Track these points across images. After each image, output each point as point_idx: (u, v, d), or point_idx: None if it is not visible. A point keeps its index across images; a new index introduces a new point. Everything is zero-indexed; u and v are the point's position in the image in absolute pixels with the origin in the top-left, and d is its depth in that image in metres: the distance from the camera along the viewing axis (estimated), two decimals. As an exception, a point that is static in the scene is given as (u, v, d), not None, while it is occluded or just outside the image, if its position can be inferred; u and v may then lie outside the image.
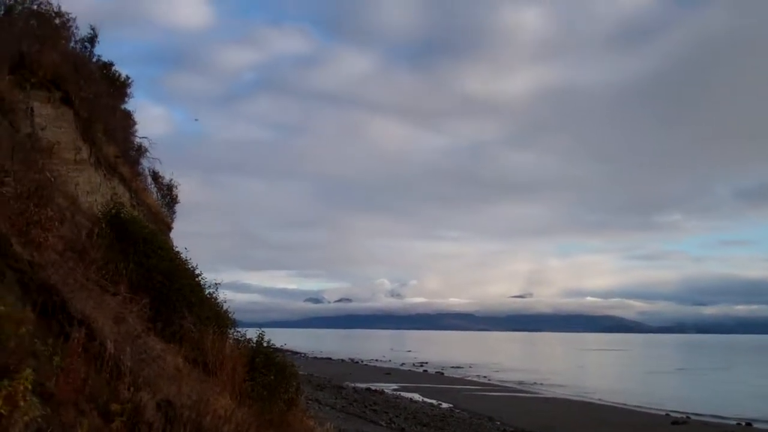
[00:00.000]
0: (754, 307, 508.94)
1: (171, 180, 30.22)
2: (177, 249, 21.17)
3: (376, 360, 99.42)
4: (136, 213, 21.27)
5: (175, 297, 17.12)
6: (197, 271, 20.30)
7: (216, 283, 20.91)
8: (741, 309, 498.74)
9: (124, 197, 22.31)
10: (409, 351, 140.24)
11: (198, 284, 19.83)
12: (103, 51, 27.27)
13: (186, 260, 20.21)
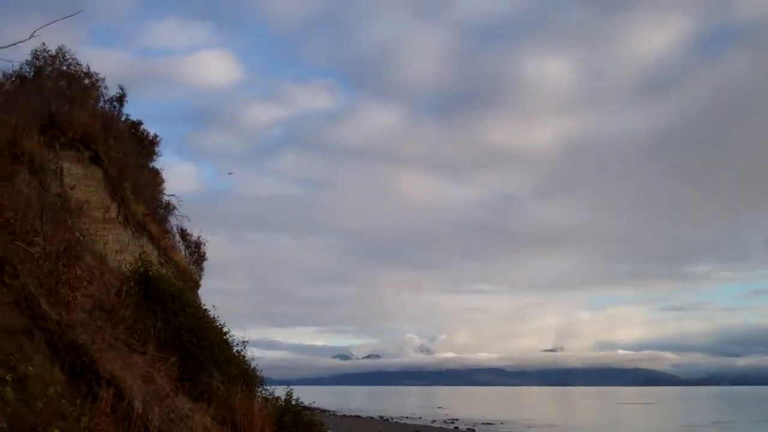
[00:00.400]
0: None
1: (199, 237, 30.29)
2: (205, 306, 21.10)
3: (406, 417, 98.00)
4: (164, 271, 21.27)
5: (203, 355, 17.00)
6: (225, 329, 20.20)
7: (244, 341, 20.78)
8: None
9: (153, 255, 22.34)
10: (440, 407, 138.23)
11: (226, 342, 19.71)
12: (132, 110, 27.72)
13: (214, 318, 20.13)
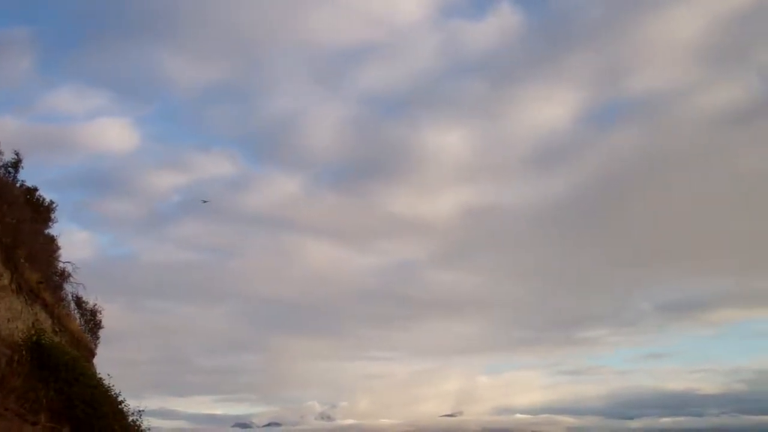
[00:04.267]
0: (680, 419, 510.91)
1: (95, 305, 29.73)
2: (100, 376, 20.80)
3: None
4: (58, 339, 20.89)
5: (98, 425, 16.79)
6: (120, 398, 19.95)
7: (140, 410, 20.57)
8: (666, 421, 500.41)
9: (46, 323, 21.89)
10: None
11: (121, 411, 19.47)
12: (28, 176, 27.26)
13: (109, 387, 19.86)
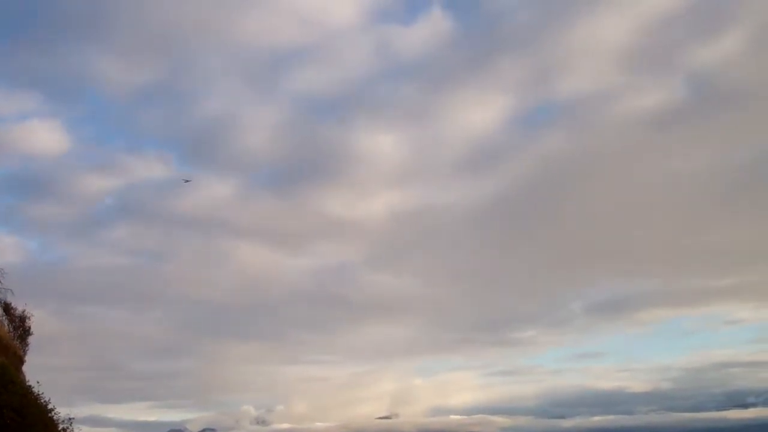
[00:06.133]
0: (611, 417, 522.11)
1: (24, 311, 29.33)
2: (29, 383, 20.66)
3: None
4: (-14, 347, 20.69)
5: (28, 433, 16.72)
6: (50, 406, 19.88)
7: (70, 418, 20.55)
8: (598, 420, 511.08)
9: (-26, 331, 21.67)
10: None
11: (51, 420, 19.40)
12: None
13: (39, 395, 19.76)
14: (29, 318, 29.52)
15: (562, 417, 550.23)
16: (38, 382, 20.62)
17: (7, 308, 28.57)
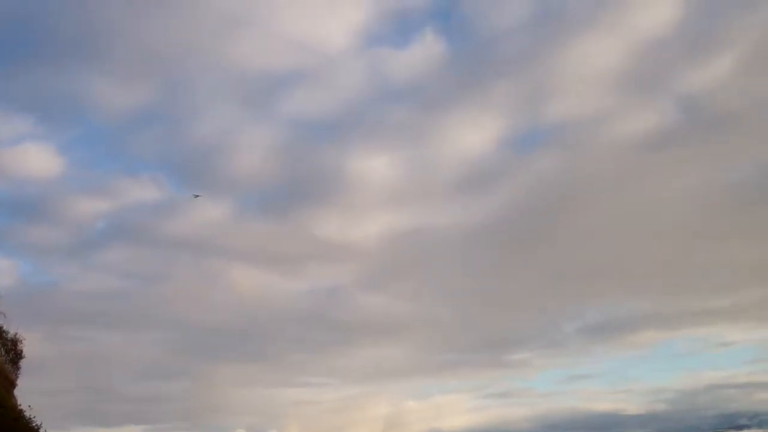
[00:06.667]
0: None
1: (16, 334, 29.42)
2: (21, 407, 20.80)
3: None
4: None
5: (19, 457, 16.90)
6: (42, 430, 20.02)
7: (62, 441, 20.68)
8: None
9: (-34, 355, 21.86)
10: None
11: (43, 443, 19.54)
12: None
13: (31, 418, 19.92)
14: (21, 341, 29.60)
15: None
16: (29, 406, 20.80)
17: (-1, 331, 28.69)
